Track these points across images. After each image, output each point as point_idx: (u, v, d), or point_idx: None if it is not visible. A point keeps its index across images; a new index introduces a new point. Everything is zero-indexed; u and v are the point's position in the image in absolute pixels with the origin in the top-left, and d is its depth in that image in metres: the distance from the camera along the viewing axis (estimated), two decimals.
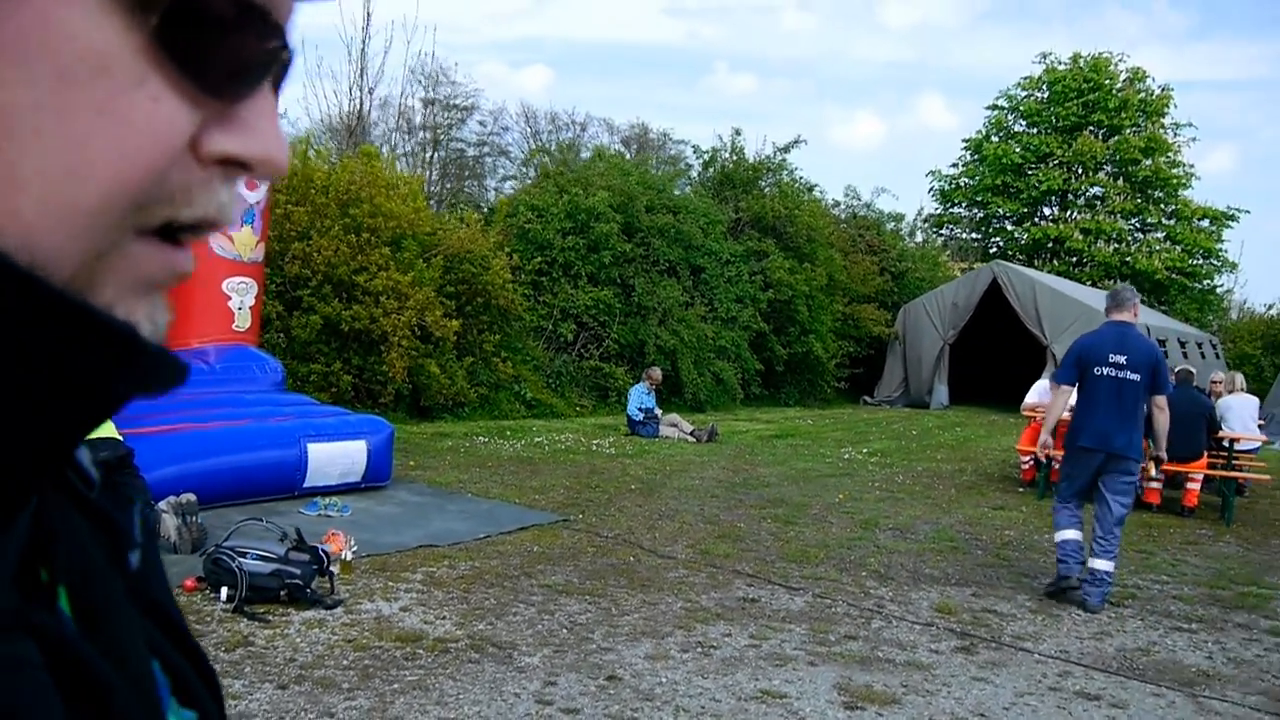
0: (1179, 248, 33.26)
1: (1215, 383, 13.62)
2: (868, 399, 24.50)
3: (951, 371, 23.91)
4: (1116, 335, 7.09)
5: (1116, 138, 33.17)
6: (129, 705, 0.47)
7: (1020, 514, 10.61)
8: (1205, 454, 11.27)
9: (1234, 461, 12.33)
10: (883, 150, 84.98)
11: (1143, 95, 33.72)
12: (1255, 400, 13.13)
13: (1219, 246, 34.47)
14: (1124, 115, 33.15)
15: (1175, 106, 34.81)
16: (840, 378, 22.94)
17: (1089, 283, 30.64)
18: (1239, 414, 12.77)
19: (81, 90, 0.39)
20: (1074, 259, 32.96)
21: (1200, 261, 34.12)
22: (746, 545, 8.24)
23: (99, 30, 0.39)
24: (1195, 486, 11.36)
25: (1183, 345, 25.20)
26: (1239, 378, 13.35)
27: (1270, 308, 35.41)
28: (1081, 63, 34.09)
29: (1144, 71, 34.15)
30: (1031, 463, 12.22)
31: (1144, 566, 8.61)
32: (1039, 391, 12.48)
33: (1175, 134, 34.56)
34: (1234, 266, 35.13)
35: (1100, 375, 7.06)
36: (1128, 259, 32.54)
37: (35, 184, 0.38)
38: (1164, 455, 7.55)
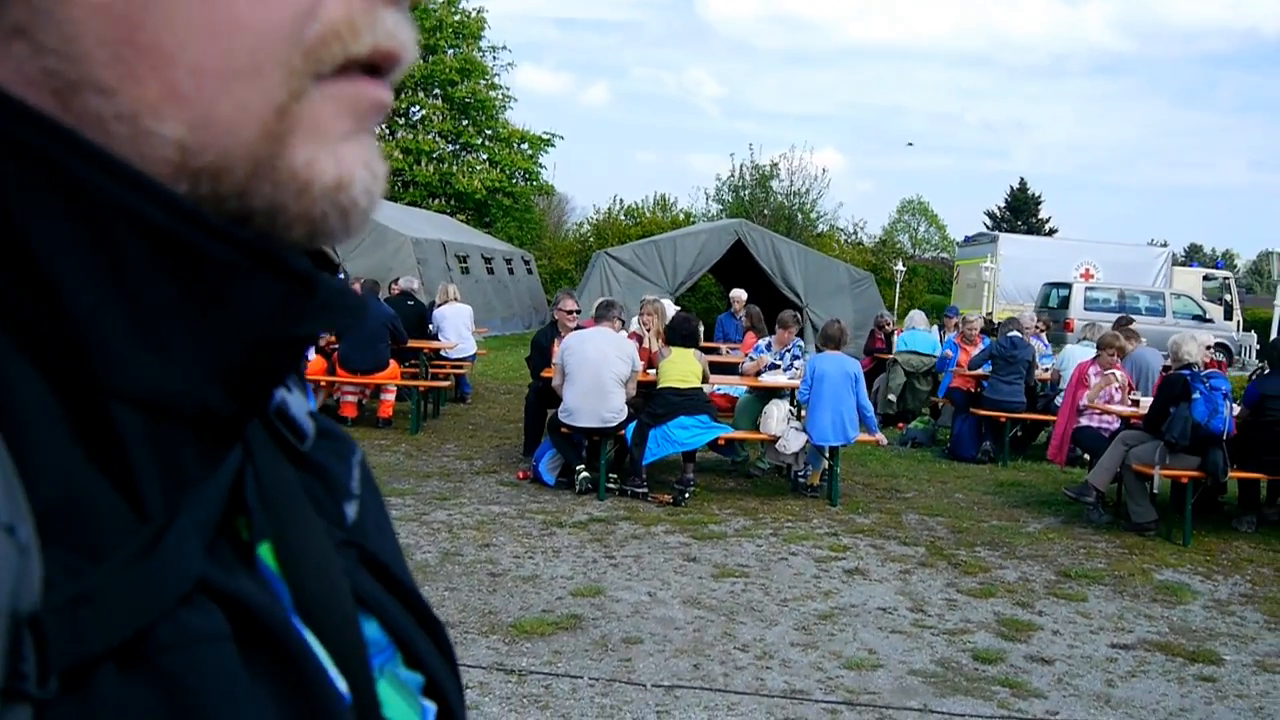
0: (499, 169, 34.59)
1: (441, 292, 13.69)
2: None
3: None
4: None
5: (433, 58, 33.53)
6: (324, 672, 0.44)
7: None
8: (395, 363, 11.09)
9: (434, 369, 12.43)
10: None
11: (459, 17, 34.35)
12: (468, 309, 13.35)
13: (537, 169, 36.47)
14: (440, 36, 33.56)
15: (489, 28, 35.75)
16: None
17: (408, 202, 30.82)
18: (452, 322, 12.90)
19: None
20: (397, 179, 33.01)
21: (520, 183, 35.82)
22: None
23: None
24: (389, 398, 11.19)
25: (487, 262, 26.09)
26: (453, 288, 13.51)
27: (580, 226, 38.24)
28: None
29: None
30: None
31: None
32: None
33: (493, 58, 35.82)
34: (551, 190, 37.37)
35: None
36: (449, 179, 33.23)
37: (184, 54, 0.37)
38: None
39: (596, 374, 8.25)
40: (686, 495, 8.50)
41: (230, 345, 0.41)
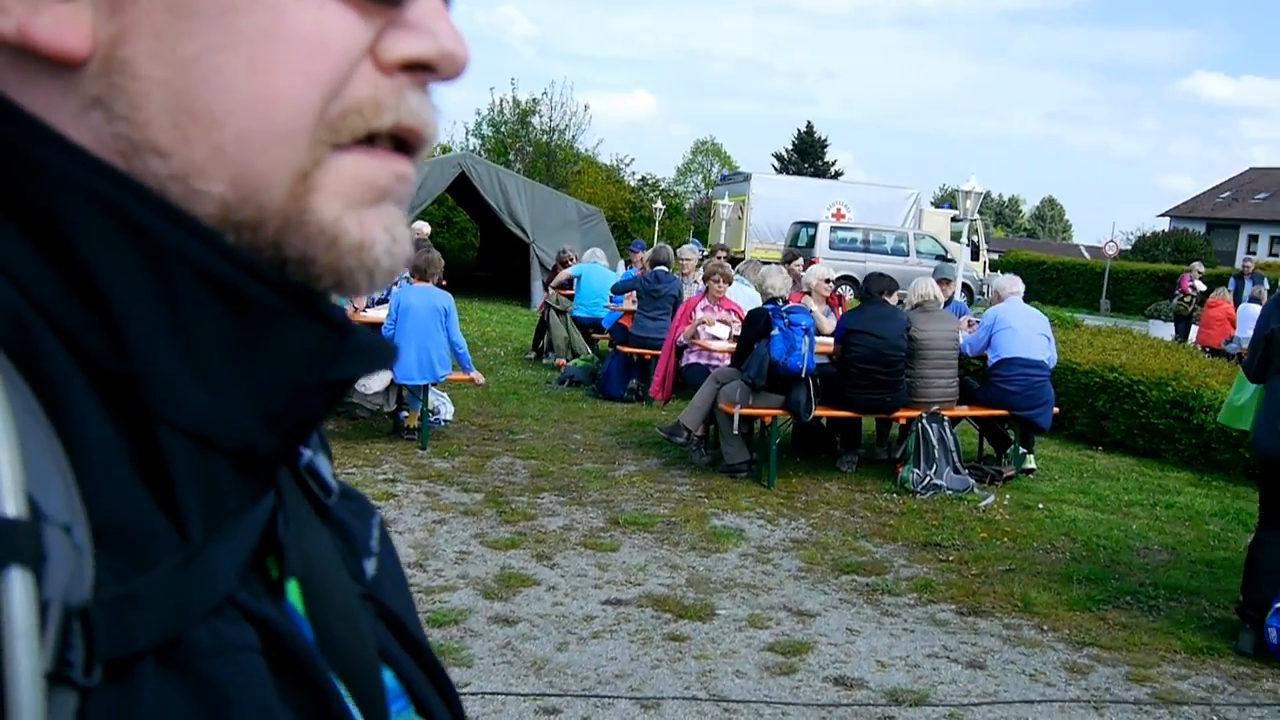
0: None
1: None
2: None
3: None
4: None
5: None
6: (347, 706, 0.47)
7: None
8: None
9: None
10: None
11: None
12: None
13: None
14: None
15: None
16: None
17: None
18: None
19: (246, 19, 0.40)
20: None
21: None
22: None
23: None
24: None
25: None
26: None
27: None
28: None
29: None
30: None
31: None
32: None
33: None
34: None
35: None
36: None
37: (230, 120, 0.41)
38: None
39: None
40: None
41: (271, 384, 0.43)
